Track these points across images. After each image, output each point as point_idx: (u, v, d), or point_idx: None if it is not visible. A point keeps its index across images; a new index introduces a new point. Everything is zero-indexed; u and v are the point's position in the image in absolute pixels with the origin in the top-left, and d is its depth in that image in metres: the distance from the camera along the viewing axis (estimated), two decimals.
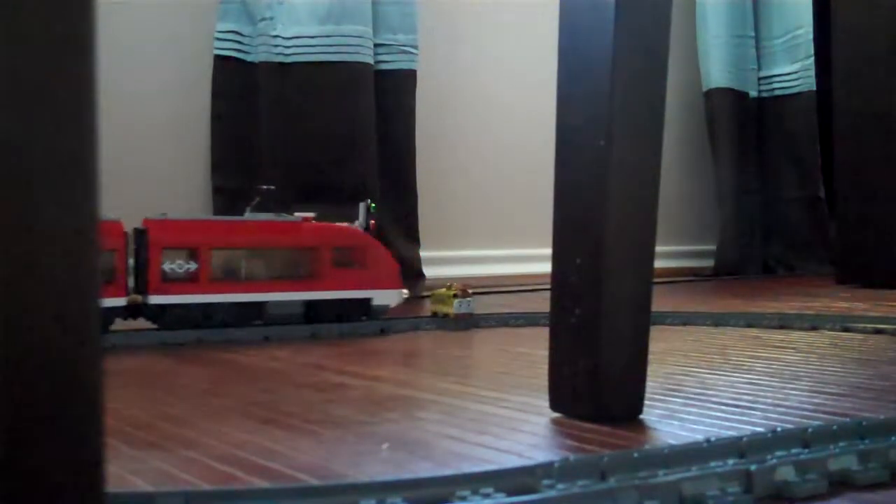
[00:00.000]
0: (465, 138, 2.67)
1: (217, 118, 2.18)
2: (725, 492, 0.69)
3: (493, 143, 2.72)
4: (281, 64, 2.13)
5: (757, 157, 3.16)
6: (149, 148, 2.13)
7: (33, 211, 0.45)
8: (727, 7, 3.08)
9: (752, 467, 0.70)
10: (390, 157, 2.26)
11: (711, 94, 3.09)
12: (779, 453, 0.74)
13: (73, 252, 0.47)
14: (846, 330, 1.53)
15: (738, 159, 3.08)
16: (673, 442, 0.77)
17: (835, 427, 0.77)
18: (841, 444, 0.77)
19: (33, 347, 0.46)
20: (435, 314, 1.66)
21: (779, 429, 0.77)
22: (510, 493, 0.66)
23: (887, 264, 2.47)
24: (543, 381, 0.92)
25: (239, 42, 2.19)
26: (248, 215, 1.54)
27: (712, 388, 1.04)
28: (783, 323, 1.61)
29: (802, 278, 2.94)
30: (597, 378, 0.89)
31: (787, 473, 0.71)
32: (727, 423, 0.86)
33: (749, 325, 1.62)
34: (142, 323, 1.45)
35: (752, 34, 3.15)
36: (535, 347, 1.30)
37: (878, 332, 1.50)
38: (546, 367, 0.93)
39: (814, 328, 1.57)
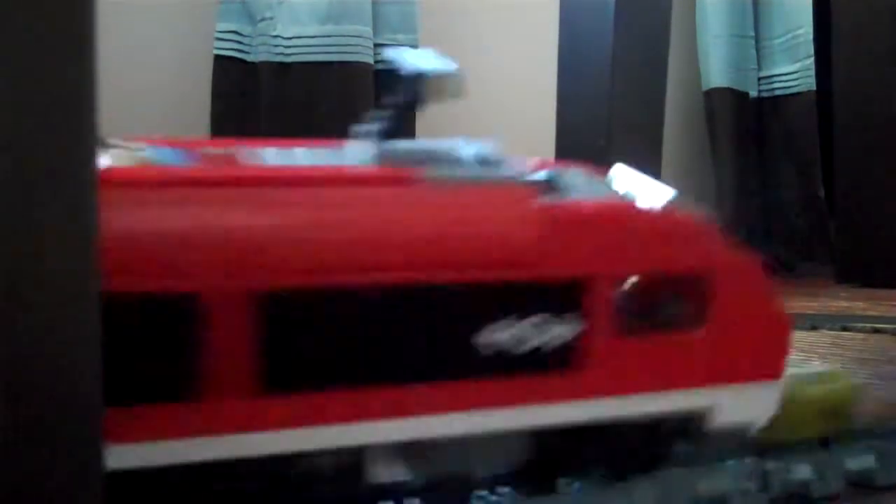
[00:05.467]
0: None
1: (217, 118, 2.17)
2: (741, 490, 0.69)
3: (493, 143, 2.72)
4: (281, 64, 2.13)
5: (757, 157, 3.15)
6: None
7: (33, 211, 0.45)
8: (727, 7, 3.08)
9: (769, 466, 0.70)
10: None
11: (711, 94, 3.08)
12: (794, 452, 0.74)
13: (74, 252, 0.47)
14: (846, 330, 1.53)
15: (738, 159, 3.07)
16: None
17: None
18: (859, 443, 0.76)
19: (33, 347, 0.46)
20: None
21: None
22: (528, 491, 0.66)
23: (887, 264, 2.46)
24: None
25: (239, 42, 2.19)
26: None
27: None
28: None
29: (802, 278, 2.94)
30: None
31: (803, 472, 0.70)
32: None
33: None
34: None
35: (752, 34, 3.14)
36: None
37: (878, 331, 1.50)
38: None
39: (814, 328, 1.57)
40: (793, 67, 3.14)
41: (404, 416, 0.62)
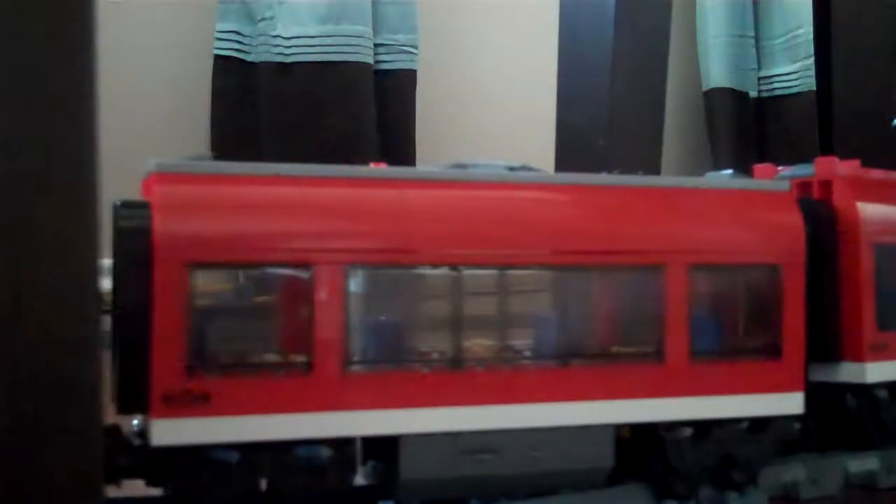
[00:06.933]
0: (465, 138, 2.67)
1: (217, 118, 2.17)
2: (741, 490, 0.69)
3: (494, 143, 2.71)
4: (281, 64, 2.13)
5: (757, 157, 3.15)
6: (149, 148, 2.12)
7: (33, 211, 0.45)
8: (727, 7, 3.08)
9: (770, 467, 0.70)
10: (390, 157, 2.25)
11: (711, 94, 3.08)
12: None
13: (74, 252, 0.47)
14: None
15: (738, 159, 3.07)
16: None
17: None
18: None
19: (33, 348, 0.46)
20: None
21: None
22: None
23: None
24: None
25: (239, 42, 2.18)
26: None
27: None
28: None
29: None
30: None
31: (798, 474, 0.70)
32: None
33: None
34: None
35: (752, 34, 3.14)
36: None
37: None
38: None
39: None
40: (793, 67, 3.13)
41: None
